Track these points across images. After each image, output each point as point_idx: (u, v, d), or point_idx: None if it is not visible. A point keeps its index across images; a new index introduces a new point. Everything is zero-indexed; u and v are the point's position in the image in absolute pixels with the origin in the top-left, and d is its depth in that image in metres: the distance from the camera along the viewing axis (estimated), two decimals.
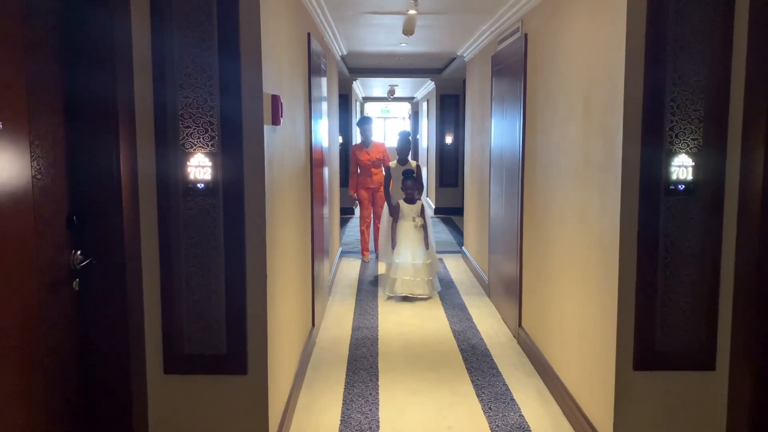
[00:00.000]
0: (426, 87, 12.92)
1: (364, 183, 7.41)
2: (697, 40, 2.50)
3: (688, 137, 2.54)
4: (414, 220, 5.80)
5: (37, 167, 2.03)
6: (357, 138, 15.30)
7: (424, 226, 5.85)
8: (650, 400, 2.69)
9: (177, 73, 2.47)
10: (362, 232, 7.55)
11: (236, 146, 2.50)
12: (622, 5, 2.55)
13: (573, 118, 3.27)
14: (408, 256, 5.70)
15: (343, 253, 7.87)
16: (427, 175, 12.93)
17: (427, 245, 5.81)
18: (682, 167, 2.53)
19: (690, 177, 2.54)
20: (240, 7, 2.45)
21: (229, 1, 2.45)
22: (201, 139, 2.50)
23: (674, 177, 2.54)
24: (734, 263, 2.61)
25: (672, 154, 2.54)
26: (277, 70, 2.97)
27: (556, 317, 3.62)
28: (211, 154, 2.51)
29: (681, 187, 2.55)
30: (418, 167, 6.36)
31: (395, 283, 5.70)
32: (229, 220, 2.54)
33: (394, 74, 10.76)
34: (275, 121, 2.76)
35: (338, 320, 5.14)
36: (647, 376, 2.68)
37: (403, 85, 13.65)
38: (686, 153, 2.54)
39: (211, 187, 2.53)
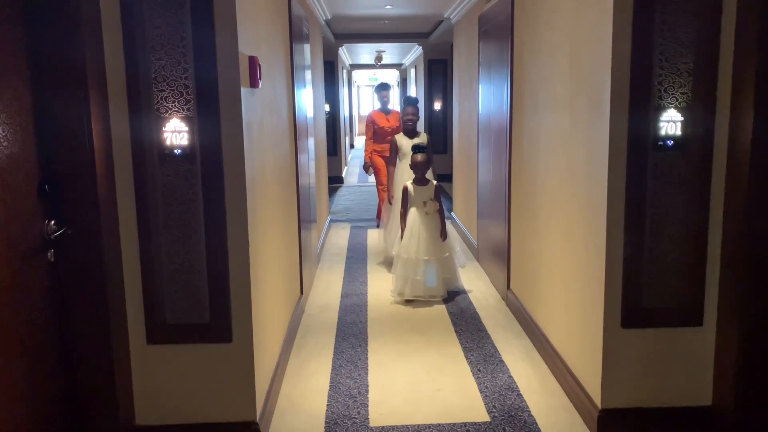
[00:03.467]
0: (414, 52, 12.72)
1: (380, 150, 6.81)
2: None
3: (677, 91, 2.48)
4: (425, 205, 4.66)
5: (3, 134, 1.94)
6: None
7: (440, 212, 4.70)
8: (638, 357, 2.69)
9: (148, 33, 2.36)
10: (380, 200, 6.88)
11: (213, 110, 2.42)
12: None
13: (559, 75, 3.20)
14: (419, 251, 4.57)
15: (332, 222, 7.83)
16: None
17: (443, 235, 4.68)
18: (670, 122, 2.48)
19: (679, 132, 2.49)
20: None
21: None
22: (176, 103, 2.42)
23: (663, 132, 2.49)
24: (722, 219, 2.58)
25: (660, 109, 2.48)
26: (255, 31, 2.86)
27: (544, 278, 3.61)
28: (187, 119, 2.43)
29: (669, 143, 2.50)
30: (429, 140, 5.47)
31: (405, 283, 4.60)
32: (207, 186, 2.47)
33: (380, 39, 10.56)
34: (253, 83, 2.67)
35: (327, 288, 5.11)
36: (635, 334, 2.67)
37: (390, 51, 13.43)
38: (675, 108, 2.48)
39: (188, 153, 2.45)
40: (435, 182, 4.79)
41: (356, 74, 20.77)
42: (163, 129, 2.43)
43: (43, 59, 2.18)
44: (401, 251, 4.63)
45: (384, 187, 6.64)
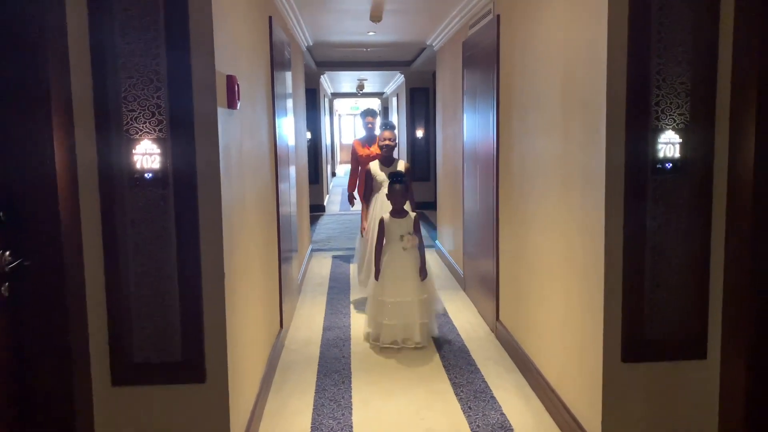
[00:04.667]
0: (395, 81, 12.73)
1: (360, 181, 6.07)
2: (683, 8, 2.35)
3: (674, 112, 2.38)
4: (402, 239, 4.18)
5: None
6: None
7: (420, 248, 4.24)
8: (640, 393, 2.54)
9: (119, 51, 2.21)
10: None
11: (187, 131, 2.26)
12: None
13: (552, 97, 3.10)
14: (395, 292, 4.12)
15: (314, 251, 7.64)
16: None
17: (422, 274, 4.21)
18: (669, 144, 2.38)
19: (677, 155, 2.39)
20: None
21: None
22: (148, 123, 2.25)
23: (661, 155, 2.38)
24: (724, 245, 2.47)
25: (658, 130, 2.38)
26: (234, 52, 2.73)
27: (536, 308, 3.46)
28: (159, 140, 2.26)
29: (668, 165, 2.39)
30: (408, 169, 4.90)
31: (380, 328, 4.16)
32: (181, 212, 2.30)
33: (362, 67, 10.54)
34: (231, 104, 2.53)
35: (309, 320, 4.90)
36: (636, 368, 2.52)
37: (372, 80, 13.44)
38: (673, 129, 2.38)
39: (160, 177, 2.28)
40: (414, 214, 4.32)
41: (338, 103, 20.78)
42: (134, 151, 2.26)
43: (2, 83, 2.03)
44: (375, 291, 4.19)
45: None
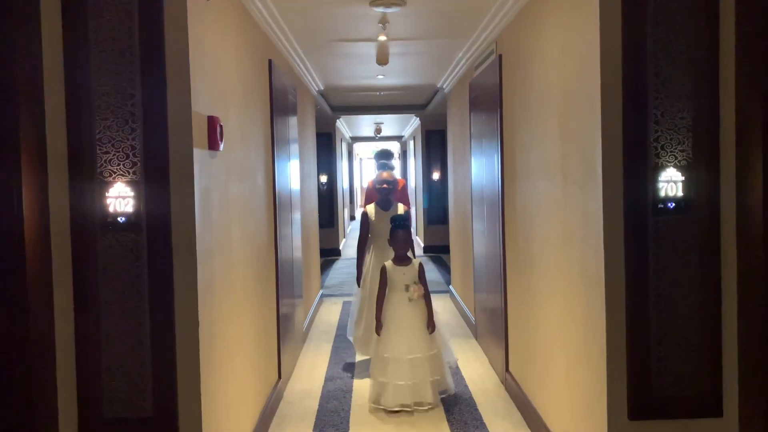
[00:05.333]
0: (412, 124, 12.76)
1: None
2: (680, 41, 2.23)
3: (675, 148, 2.24)
4: (408, 290, 3.81)
5: None
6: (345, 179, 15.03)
7: (426, 298, 3.85)
8: None
9: (94, 93, 2.17)
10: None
11: (161, 173, 2.19)
12: (594, 5, 2.29)
13: (550, 137, 2.98)
14: (401, 348, 3.70)
15: (324, 296, 7.48)
16: (416, 212, 12.64)
17: (431, 326, 3.81)
18: (670, 182, 2.22)
19: (680, 193, 2.23)
20: (165, 23, 2.17)
21: (153, 14, 2.17)
22: (121, 166, 2.19)
23: (662, 194, 2.23)
24: (737, 290, 2.27)
25: (659, 168, 2.23)
26: (219, 91, 2.68)
27: (542, 360, 3.25)
28: (133, 183, 2.19)
29: (671, 205, 2.23)
30: (408, 213, 4.60)
31: (385, 389, 3.68)
32: (154, 259, 2.20)
33: (377, 111, 10.58)
34: (213, 145, 2.46)
35: (311, 370, 4.72)
36: (644, 426, 2.31)
37: (389, 123, 13.49)
38: (674, 166, 2.23)
39: (133, 221, 2.20)
40: (418, 260, 3.96)
41: (358, 146, 20.92)
42: (107, 194, 2.19)
43: None
44: (378, 348, 3.76)
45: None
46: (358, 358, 4.91)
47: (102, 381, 2.21)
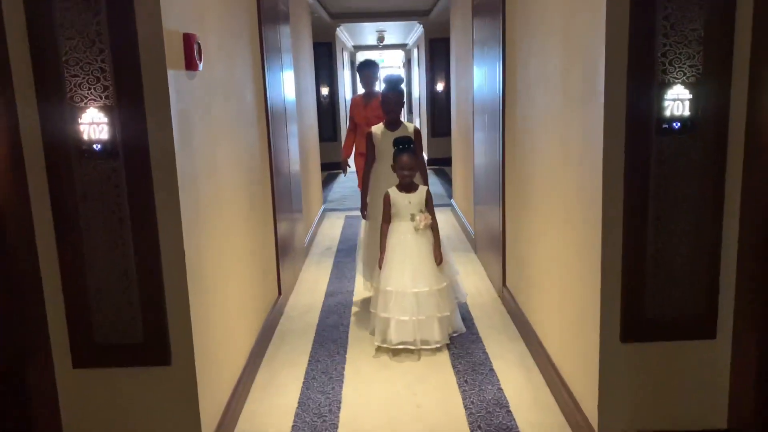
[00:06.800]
0: (416, 32, 12.24)
1: (358, 146, 5.54)
2: None
3: (684, 64, 2.08)
4: (414, 219, 3.52)
5: None
6: (348, 90, 14.65)
7: (434, 227, 3.59)
8: (640, 375, 2.32)
9: (56, 8, 2.01)
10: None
11: (135, 97, 2.06)
12: None
13: (552, 47, 2.79)
14: (405, 281, 3.40)
15: (326, 211, 7.48)
16: (420, 125, 12.40)
17: (438, 258, 3.52)
18: (677, 101, 2.08)
19: (687, 112, 2.10)
20: None
21: None
22: (92, 90, 2.06)
23: (668, 113, 2.09)
24: (739, 215, 2.19)
25: (665, 85, 2.08)
26: (196, 7, 2.49)
27: (538, 276, 3.24)
28: (106, 108, 2.07)
29: (676, 125, 2.10)
30: (417, 133, 4.02)
31: (388, 325, 3.41)
32: (133, 186, 2.12)
33: (378, 18, 10.10)
34: (190, 65, 2.31)
35: (312, 285, 4.78)
36: (636, 348, 2.31)
37: (392, 31, 12.94)
38: (682, 83, 2.08)
39: (109, 148, 2.10)
40: (425, 187, 3.63)
41: (361, 56, 20.26)
42: (79, 121, 2.08)
43: None
44: (382, 282, 3.45)
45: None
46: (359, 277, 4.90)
47: (91, 309, 2.20)
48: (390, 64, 21.72)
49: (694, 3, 2.03)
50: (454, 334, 3.61)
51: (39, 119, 2.07)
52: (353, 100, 5.66)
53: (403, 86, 4.36)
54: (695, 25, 2.05)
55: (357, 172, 5.56)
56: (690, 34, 2.06)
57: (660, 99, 2.09)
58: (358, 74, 5.72)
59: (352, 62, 17.70)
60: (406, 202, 3.51)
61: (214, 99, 2.70)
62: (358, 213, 4.52)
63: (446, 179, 9.84)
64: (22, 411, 2.12)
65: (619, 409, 2.35)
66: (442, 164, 11.15)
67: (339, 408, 2.88)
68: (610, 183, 2.18)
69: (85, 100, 2.07)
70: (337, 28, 10.78)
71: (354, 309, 4.21)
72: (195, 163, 2.37)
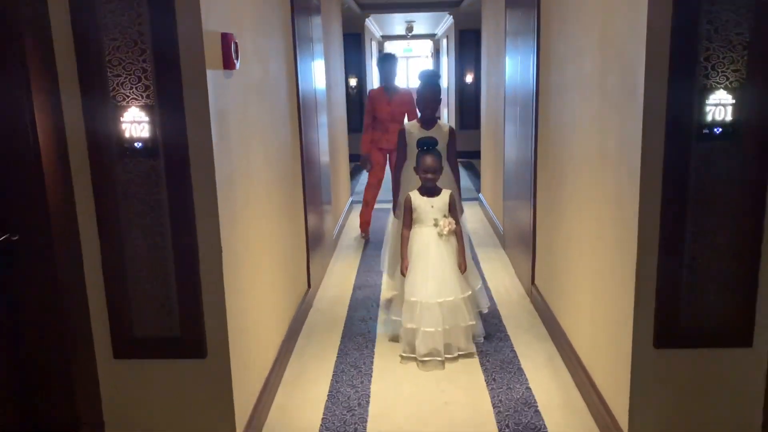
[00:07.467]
0: (445, 22, 12.14)
1: (377, 141, 5.51)
2: None
3: (727, 68, 2.03)
4: (437, 224, 3.37)
5: None
6: (375, 81, 14.66)
7: (458, 233, 3.41)
8: (673, 382, 2.31)
9: (99, 9, 2.05)
10: (365, 203, 5.78)
11: (175, 97, 2.10)
12: None
13: (589, 47, 2.76)
14: (429, 290, 3.25)
15: (354, 203, 7.50)
16: (447, 118, 12.32)
17: (462, 266, 3.40)
18: (719, 106, 2.04)
19: (729, 118, 2.06)
20: None
21: None
22: (134, 89, 2.11)
23: (709, 119, 2.06)
24: None
25: (707, 90, 2.05)
26: (233, 5, 2.52)
27: (570, 276, 3.22)
28: (147, 107, 2.12)
29: (717, 130, 2.07)
30: (452, 133, 3.88)
31: (414, 336, 3.28)
32: (173, 184, 2.17)
33: (408, 8, 10.05)
34: (228, 64, 2.34)
35: (341, 278, 4.82)
36: (670, 355, 2.29)
37: (421, 21, 12.86)
38: (725, 88, 2.04)
39: (150, 147, 2.15)
40: (448, 191, 3.42)
41: (390, 46, 20.18)
42: (121, 119, 2.13)
43: None
44: (406, 292, 3.30)
45: (373, 187, 5.66)
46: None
47: (130, 303, 2.27)
48: (418, 54, 21.56)
49: (741, 7, 1.99)
50: (476, 341, 3.49)
51: (83, 118, 2.12)
52: (372, 94, 5.55)
53: (441, 81, 4.18)
54: (740, 29, 2.00)
55: (374, 167, 5.61)
56: (734, 38, 2.01)
57: (701, 104, 2.05)
58: (378, 68, 5.63)
59: (380, 51, 17.67)
60: (428, 207, 3.35)
61: (249, 97, 2.73)
62: (386, 205, 4.46)
63: (474, 173, 9.79)
64: (66, 399, 2.20)
65: (650, 414, 2.34)
66: (469, 157, 11.08)
67: (368, 402, 2.92)
68: (648, 187, 2.16)
69: (127, 99, 2.11)
70: (366, 19, 10.75)
71: (382, 303, 4.23)
72: (231, 160, 2.41)
